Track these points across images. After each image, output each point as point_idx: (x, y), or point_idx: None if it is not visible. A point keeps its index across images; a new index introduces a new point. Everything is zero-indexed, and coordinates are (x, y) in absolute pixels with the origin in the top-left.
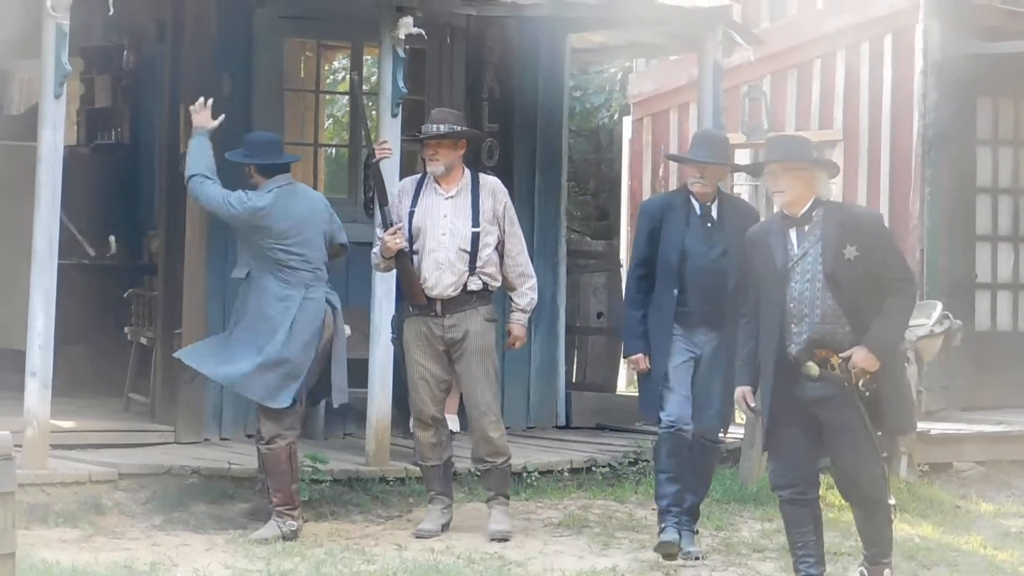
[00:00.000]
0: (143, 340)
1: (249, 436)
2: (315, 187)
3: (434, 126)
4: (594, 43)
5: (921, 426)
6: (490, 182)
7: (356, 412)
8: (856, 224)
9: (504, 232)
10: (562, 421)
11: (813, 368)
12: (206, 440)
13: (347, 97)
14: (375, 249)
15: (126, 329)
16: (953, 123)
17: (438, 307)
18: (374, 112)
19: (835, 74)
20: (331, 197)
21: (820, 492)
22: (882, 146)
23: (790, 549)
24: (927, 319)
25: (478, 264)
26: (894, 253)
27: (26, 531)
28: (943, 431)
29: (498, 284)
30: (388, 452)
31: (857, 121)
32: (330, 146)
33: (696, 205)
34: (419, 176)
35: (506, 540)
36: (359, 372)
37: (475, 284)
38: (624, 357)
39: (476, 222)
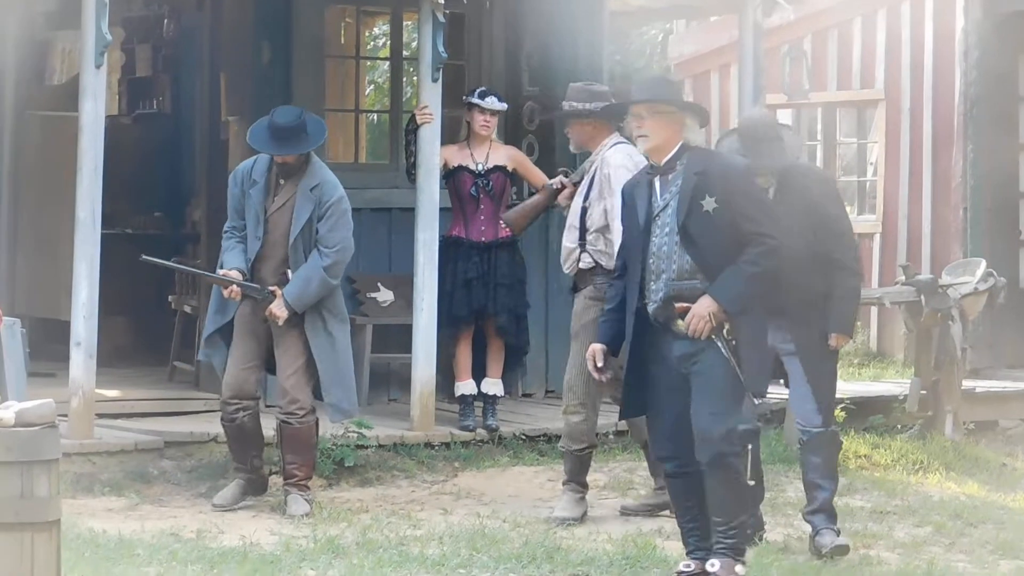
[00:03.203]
0: (187, 309)
1: (269, 407)
2: (356, 154)
3: (566, 104)
4: (633, 5)
5: (966, 384)
6: (609, 156)
7: (400, 378)
8: (718, 172)
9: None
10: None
11: (680, 324)
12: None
13: (387, 63)
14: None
15: (170, 298)
16: (995, 81)
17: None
18: (415, 78)
19: (876, 33)
20: (373, 163)
21: (865, 451)
22: (924, 105)
23: (677, 522)
24: (971, 277)
25: (587, 240)
26: (756, 204)
27: (72, 500)
28: (988, 389)
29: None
30: (433, 417)
31: (899, 80)
32: (371, 112)
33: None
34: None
35: (568, 526)
36: (403, 338)
37: (586, 262)
38: None
39: (586, 196)
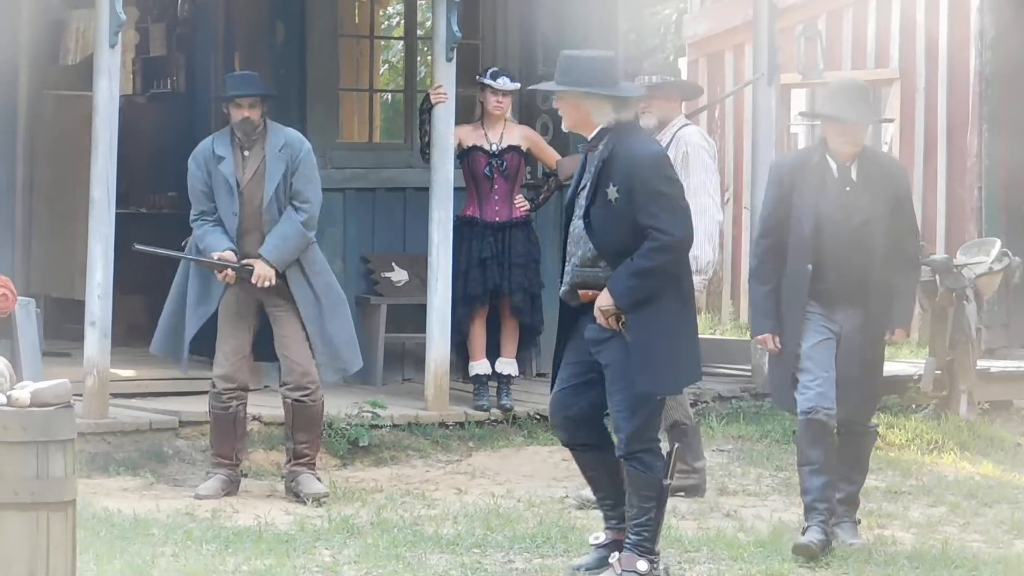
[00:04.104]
0: None
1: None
2: (371, 134)
3: (646, 77)
4: None
5: (981, 364)
6: (683, 134)
7: (414, 358)
8: (623, 161)
9: None
10: None
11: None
12: (266, 387)
13: (402, 42)
14: None
15: None
16: (1010, 60)
17: None
18: (429, 58)
19: (891, 12)
20: (387, 143)
21: (880, 431)
22: (939, 84)
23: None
24: (986, 256)
25: None
26: (657, 198)
27: (88, 480)
28: (1003, 369)
29: None
30: (447, 397)
31: (914, 59)
32: (386, 92)
33: (833, 165)
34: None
35: (588, 507)
36: (418, 318)
37: None
38: (751, 337)
39: None
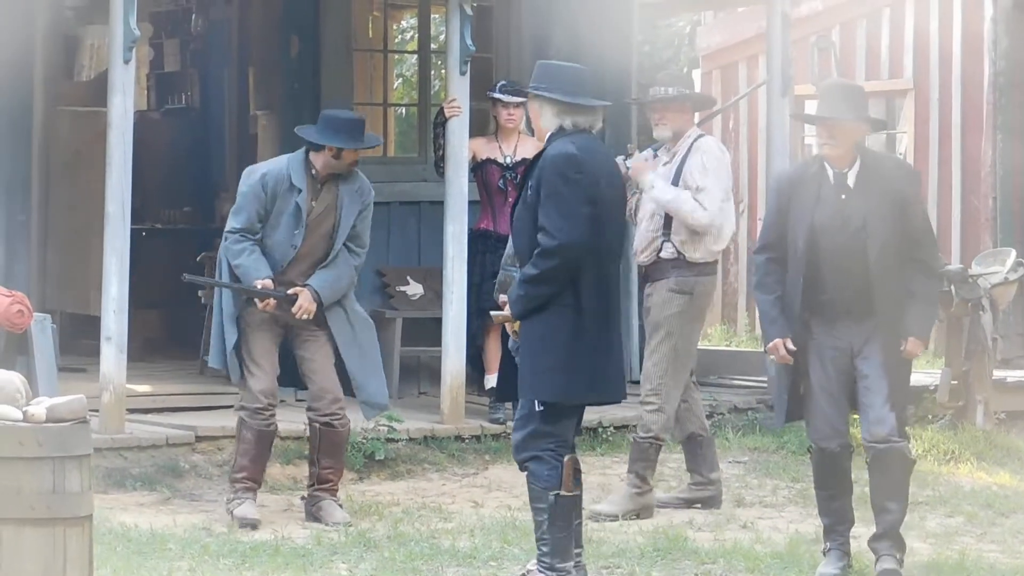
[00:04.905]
0: None
1: (300, 400)
2: (385, 148)
3: (662, 88)
4: None
5: (997, 374)
6: (701, 143)
7: (430, 371)
8: (542, 160)
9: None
10: (636, 376)
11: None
12: (282, 402)
13: (415, 56)
14: None
15: (200, 293)
16: None
17: (642, 275)
18: (443, 71)
19: (904, 23)
20: (401, 157)
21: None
22: (953, 94)
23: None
24: (1002, 266)
25: (671, 229)
26: (554, 199)
27: (104, 495)
28: (1019, 378)
29: (699, 255)
30: (463, 410)
31: (927, 70)
32: (400, 106)
33: (830, 172)
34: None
35: (601, 520)
36: (433, 331)
37: (668, 251)
38: (764, 347)
39: (675, 184)
